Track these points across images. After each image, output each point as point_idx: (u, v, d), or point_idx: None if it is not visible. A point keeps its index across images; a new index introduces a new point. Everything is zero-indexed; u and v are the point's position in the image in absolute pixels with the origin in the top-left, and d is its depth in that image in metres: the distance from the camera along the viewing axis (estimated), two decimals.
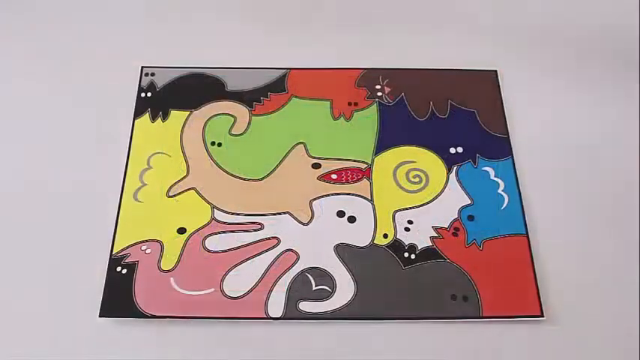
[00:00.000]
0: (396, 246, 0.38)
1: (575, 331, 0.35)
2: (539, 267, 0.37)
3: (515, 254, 0.37)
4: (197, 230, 0.38)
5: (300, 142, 0.42)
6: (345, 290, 0.36)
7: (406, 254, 0.37)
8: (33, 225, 0.39)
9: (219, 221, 0.39)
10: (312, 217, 0.39)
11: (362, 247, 0.38)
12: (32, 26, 0.48)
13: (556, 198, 0.40)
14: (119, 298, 0.36)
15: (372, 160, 0.41)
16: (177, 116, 0.43)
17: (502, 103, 0.43)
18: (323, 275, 0.37)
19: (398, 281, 0.36)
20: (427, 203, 0.39)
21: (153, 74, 0.45)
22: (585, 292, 0.36)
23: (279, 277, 0.36)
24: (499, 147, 0.41)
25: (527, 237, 0.38)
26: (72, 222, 0.39)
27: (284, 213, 0.39)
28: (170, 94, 0.44)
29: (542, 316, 0.35)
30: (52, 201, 0.39)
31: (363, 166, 0.41)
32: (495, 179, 0.40)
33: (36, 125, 0.43)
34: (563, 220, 0.39)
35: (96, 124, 0.43)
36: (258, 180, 0.40)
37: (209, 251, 0.37)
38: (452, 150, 0.41)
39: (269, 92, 0.44)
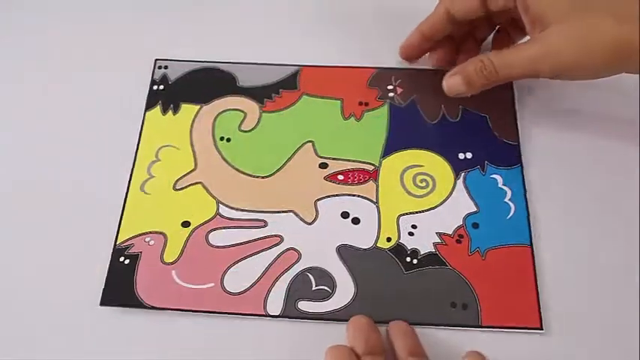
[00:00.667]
0: (399, 250, 0.37)
1: (575, 346, 0.35)
2: (541, 279, 0.36)
3: (518, 265, 0.37)
4: (201, 224, 0.38)
5: (309, 141, 0.42)
6: (344, 291, 0.36)
7: (408, 259, 0.37)
8: (40, 214, 0.39)
9: (223, 216, 0.39)
10: (316, 217, 0.39)
11: (364, 250, 0.37)
12: (47, 18, 0.49)
13: (563, 210, 0.39)
14: (121, 288, 0.36)
15: (380, 162, 0.41)
16: (188, 110, 0.43)
17: (515, 110, 0.42)
18: (323, 275, 0.37)
19: (398, 285, 0.36)
20: (432, 208, 0.39)
21: (166, 67, 0.45)
22: (587, 307, 0.36)
23: (280, 276, 0.37)
24: (508, 154, 0.40)
25: (532, 248, 0.37)
26: (79, 212, 0.39)
27: (288, 211, 0.39)
28: (182, 88, 0.44)
29: (542, 329, 0.35)
30: (60, 191, 0.40)
31: (370, 167, 0.41)
32: (503, 187, 0.39)
33: (47, 116, 0.43)
34: (568, 232, 0.38)
35: (108, 115, 0.43)
36: (265, 177, 0.40)
37: (212, 246, 0.38)
38: (461, 155, 0.41)
39: (280, 89, 0.44)
